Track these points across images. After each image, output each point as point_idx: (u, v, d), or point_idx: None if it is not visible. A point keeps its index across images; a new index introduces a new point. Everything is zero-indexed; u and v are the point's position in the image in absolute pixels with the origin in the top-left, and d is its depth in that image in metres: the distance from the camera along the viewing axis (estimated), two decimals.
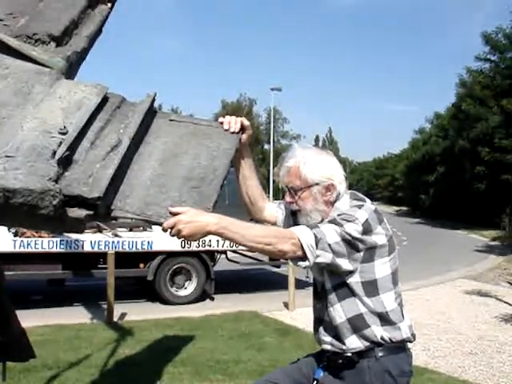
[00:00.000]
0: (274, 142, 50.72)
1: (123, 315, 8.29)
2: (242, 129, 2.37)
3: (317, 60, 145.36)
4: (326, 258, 2.14)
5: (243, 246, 2.11)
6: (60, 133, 2.04)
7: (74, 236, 8.88)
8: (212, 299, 9.82)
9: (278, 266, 11.42)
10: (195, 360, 5.90)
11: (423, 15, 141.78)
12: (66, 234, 8.97)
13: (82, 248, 8.70)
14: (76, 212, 1.94)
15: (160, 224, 1.97)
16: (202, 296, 9.71)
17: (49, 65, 2.42)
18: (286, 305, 9.19)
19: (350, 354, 2.31)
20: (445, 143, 35.51)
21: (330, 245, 2.14)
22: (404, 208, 51.60)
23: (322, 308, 2.43)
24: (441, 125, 38.40)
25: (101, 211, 1.96)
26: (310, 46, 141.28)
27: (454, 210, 33.55)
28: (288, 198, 2.42)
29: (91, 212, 1.94)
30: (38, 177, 1.88)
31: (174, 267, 9.45)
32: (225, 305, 9.15)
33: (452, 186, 33.26)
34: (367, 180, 70.47)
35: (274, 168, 51.45)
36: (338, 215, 2.25)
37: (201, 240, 9.32)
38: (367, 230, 2.22)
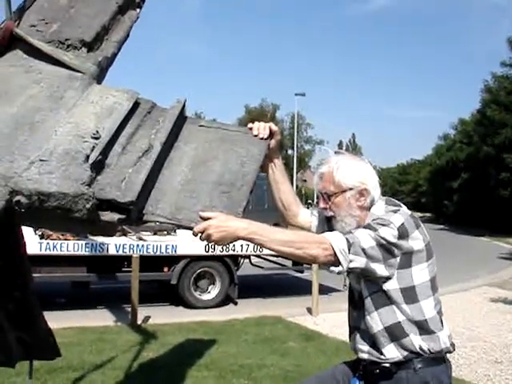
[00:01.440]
0: (297, 147, 50.73)
1: (147, 318, 8.34)
2: (271, 134, 2.38)
3: (341, 66, 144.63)
4: (359, 262, 2.12)
5: (273, 250, 2.10)
6: (93, 137, 2.08)
7: (99, 239, 8.98)
8: (235, 304, 9.82)
9: (302, 271, 11.40)
10: (219, 364, 5.92)
11: (449, 21, 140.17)
12: (91, 237, 9.08)
13: (107, 251, 8.77)
14: (109, 216, 1.97)
15: (191, 228, 1.99)
16: (225, 300, 9.74)
17: (81, 70, 2.46)
18: (309, 310, 9.17)
19: (388, 365, 2.28)
20: (469, 149, 35.15)
21: (363, 249, 2.12)
22: (427, 214, 51.14)
23: (358, 316, 2.40)
24: (465, 131, 37.99)
25: (133, 215, 1.99)
26: (334, 52, 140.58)
27: (477, 216, 33.17)
28: (322, 204, 2.41)
29: (124, 216, 1.97)
30: (71, 181, 1.91)
31: (198, 271, 9.48)
32: (248, 309, 9.14)
33: (476, 193, 32.89)
34: (390, 186, 70.11)
35: (297, 173, 51.47)
36: (373, 220, 2.23)
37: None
38: (403, 234, 2.19)
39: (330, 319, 8.31)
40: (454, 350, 2.39)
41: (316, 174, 2.46)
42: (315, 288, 9.06)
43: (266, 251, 9.82)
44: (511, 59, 28.27)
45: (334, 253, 2.09)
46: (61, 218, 1.95)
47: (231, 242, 2.04)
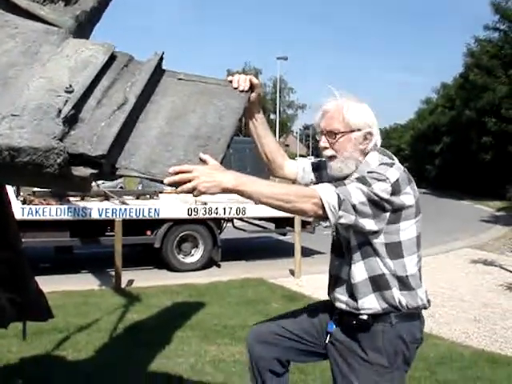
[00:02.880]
0: (280, 111, 50.47)
1: (131, 282, 8.38)
2: (252, 87, 2.33)
3: (325, 28, 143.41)
4: (348, 219, 2.11)
5: (262, 203, 2.07)
6: (66, 91, 2.04)
7: (81, 204, 8.96)
8: (219, 266, 9.90)
9: (284, 234, 11.49)
10: (203, 325, 5.98)
11: None
12: (73, 202, 9.04)
13: (90, 216, 8.75)
14: (81, 171, 1.94)
15: (163, 182, 1.96)
16: (208, 263, 9.79)
17: (57, 24, 2.41)
18: (292, 272, 9.26)
19: (365, 317, 2.30)
20: (451, 114, 35.23)
21: (354, 206, 2.09)
22: None
23: (340, 265, 2.41)
24: (447, 95, 38.04)
25: (106, 170, 1.96)
26: (317, 16, 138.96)
27: (459, 180, 33.44)
28: (323, 143, 2.37)
29: (96, 171, 1.95)
30: (43, 135, 1.89)
31: (181, 234, 9.50)
32: (231, 272, 9.21)
33: (458, 157, 33.09)
34: None
35: (279, 138, 51.18)
36: (368, 172, 2.21)
37: (207, 208, 9.36)
38: (396, 190, 2.17)
39: (313, 281, 8.39)
40: (430, 306, 2.42)
41: (319, 111, 2.40)
42: (298, 250, 9.14)
43: (248, 214, 9.88)
44: (494, 23, 28.14)
45: (324, 208, 2.07)
46: (33, 173, 1.93)
47: (217, 194, 1.99)
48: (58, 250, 9.49)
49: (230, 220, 10.48)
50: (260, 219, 11.07)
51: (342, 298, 2.39)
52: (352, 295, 2.34)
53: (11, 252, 3.21)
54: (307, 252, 10.51)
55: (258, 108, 2.53)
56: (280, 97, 51.45)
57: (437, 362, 4.96)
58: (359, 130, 2.31)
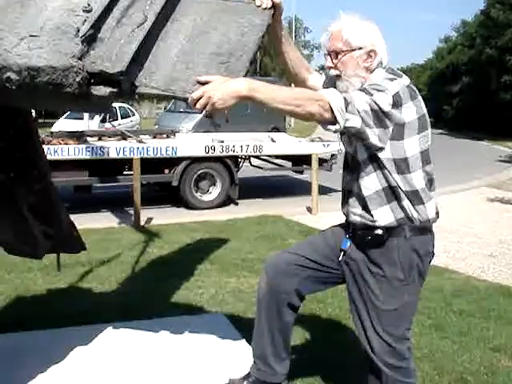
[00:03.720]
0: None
1: (149, 220, 8.47)
2: (274, 6, 2.32)
3: None
4: (355, 122, 2.14)
5: (274, 109, 2.10)
6: (84, 11, 2.03)
7: (99, 143, 9.00)
8: (236, 204, 9.96)
9: (301, 172, 11.50)
10: (222, 259, 6.08)
11: None
12: (91, 142, 9.09)
13: (108, 155, 8.78)
14: (101, 90, 1.95)
15: (185, 99, 1.97)
16: (226, 201, 9.87)
17: None
18: (309, 209, 9.31)
19: (380, 232, 2.35)
20: (471, 52, 34.40)
21: (358, 111, 2.13)
22: None
23: (352, 179, 2.44)
24: (467, 33, 37.06)
25: (125, 88, 1.96)
26: None
27: (477, 120, 32.95)
28: (328, 63, 2.40)
29: (115, 89, 1.95)
30: (61, 54, 1.89)
31: (199, 172, 9.54)
32: (248, 210, 9.27)
33: (477, 97, 32.51)
34: None
35: None
36: (370, 85, 2.24)
37: (224, 145, 9.37)
38: (397, 103, 2.19)
39: (330, 217, 8.37)
40: (438, 217, 2.46)
41: (324, 33, 2.43)
42: (315, 187, 9.17)
43: (265, 152, 9.89)
44: None
45: (332, 111, 2.10)
46: (53, 94, 1.94)
47: (233, 104, 2.00)
48: (77, 189, 9.58)
49: (247, 158, 10.50)
50: (277, 157, 11.08)
51: (355, 211, 2.44)
52: (365, 208, 2.39)
53: (43, 184, 3.27)
54: (324, 190, 10.53)
55: (281, 25, 2.52)
56: (295, 37, 50.49)
57: (452, 294, 5.02)
58: (360, 48, 2.33)
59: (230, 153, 9.51)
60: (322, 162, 10.07)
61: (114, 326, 3.59)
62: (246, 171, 10.95)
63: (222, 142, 9.50)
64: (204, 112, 1.97)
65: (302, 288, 2.62)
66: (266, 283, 2.66)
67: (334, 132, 2.19)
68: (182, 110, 18.01)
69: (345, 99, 2.12)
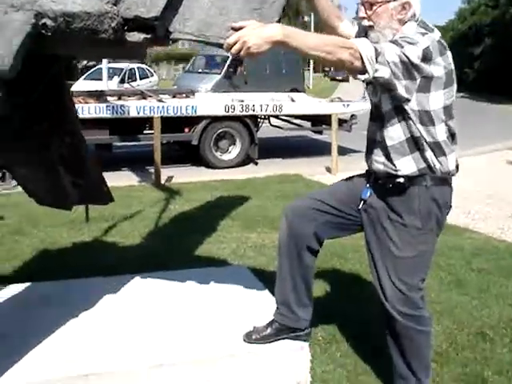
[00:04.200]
0: (314, 13, 48.78)
1: (170, 178, 8.55)
2: None
3: None
4: (384, 72, 2.16)
5: (305, 55, 2.15)
6: None
7: (119, 102, 9.03)
8: (255, 164, 9.99)
9: (321, 133, 11.48)
10: (243, 215, 6.14)
11: None
12: (111, 101, 9.11)
13: (128, 113, 8.83)
14: (135, 36, 1.97)
15: (220, 45, 1.99)
16: (245, 161, 9.92)
17: None
18: (328, 169, 9.33)
19: (401, 180, 2.39)
20: (495, 13, 33.56)
21: (388, 62, 2.15)
22: None
23: (376, 129, 2.48)
24: None
25: (159, 33, 1.98)
26: None
27: (499, 83, 32.29)
28: (361, 13, 2.40)
29: (150, 35, 1.97)
30: (96, 0, 1.91)
31: (218, 132, 9.58)
32: (267, 169, 9.28)
33: (499, 59, 31.82)
34: None
35: None
36: (401, 37, 2.25)
37: (244, 105, 9.35)
38: (426, 57, 2.21)
39: None
40: (458, 171, 2.49)
41: None
42: (334, 147, 9.17)
43: (284, 112, 9.86)
44: None
45: (362, 60, 2.12)
46: (88, 40, 1.96)
47: (267, 49, 2.02)
48: (97, 147, 9.65)
49: (267, 118, 10.48)
50: (296, 117, 11.04)
51: (378, 159, 2.47)
52: (388, 157, 2.42)
53: (74, 138, 3.32)
54: (344, 150, 10.51)
55: None
56: None
57: (472, 253, 5.04)
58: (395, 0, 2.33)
59: (250, 112, 9.50)
60: (341, 122, 10.03)
61: (142, 275, 3.67)
62: (265, 131, 10.93)
63: (242, 101, 9.48)
64: (235, 57, 2.00)
65: (320, 233, 2.66)
66: (286, 226, 2.70)
67: (363, 82, 2.22)
68: (200, 70, 17.89)
69: (375, 49, 2.14)
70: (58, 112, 3.03)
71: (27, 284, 3.60)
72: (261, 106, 9.50)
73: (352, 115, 10.26)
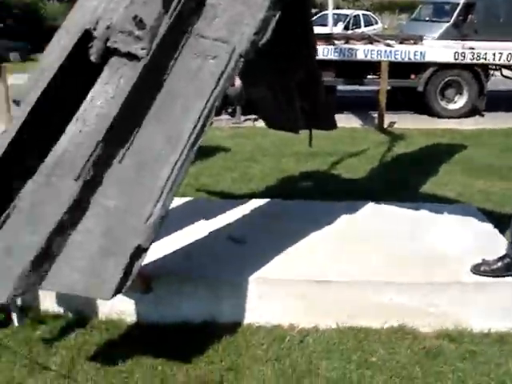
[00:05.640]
0: None
1: (392, 124, 8.58)
2: None
3: None
4: None
5: None
6: None
7: (347, 45, 9.19)
8: (482, 116, 9.55)
9: None
10: (467, 163, 6.06)
11: None
12: (338, 44, 9.28)
13: (355, 56, 8.96)
14: None
15: None
16: (471, 112, 9.53)
17: None
18: None
19: None
20: None
21: None
22: None
23: None
24: None
25: None
26: None
27: None
28: None
29: None
30: None
31: (446, 80, 9.31)
32: (494, 122, 8.86)
33: None
34: None
35: None
36: None
37: (475, 53, 8.95)
38: None
39: None
40: None
41: None
42: None
43: None
44: None
45: None
46: None
47: None
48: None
49: (499, 68, 9.90)
50: None
51: None
52: None
53: (311, 64, 3.61)
54: None
55: None
56: None
57: None
58: None
59: (481, 61, 9.07)
60: None
61: (376, 203, 3.90)
62: (494, 82, 10.34)
63: (473, 49, 9.07)
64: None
65: None
66: None
67: None
68: (427, 18, 17.26)
69: None
70: (300, 36, 3.30)
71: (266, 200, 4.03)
72: (493, 54, 9.01)
73: None
